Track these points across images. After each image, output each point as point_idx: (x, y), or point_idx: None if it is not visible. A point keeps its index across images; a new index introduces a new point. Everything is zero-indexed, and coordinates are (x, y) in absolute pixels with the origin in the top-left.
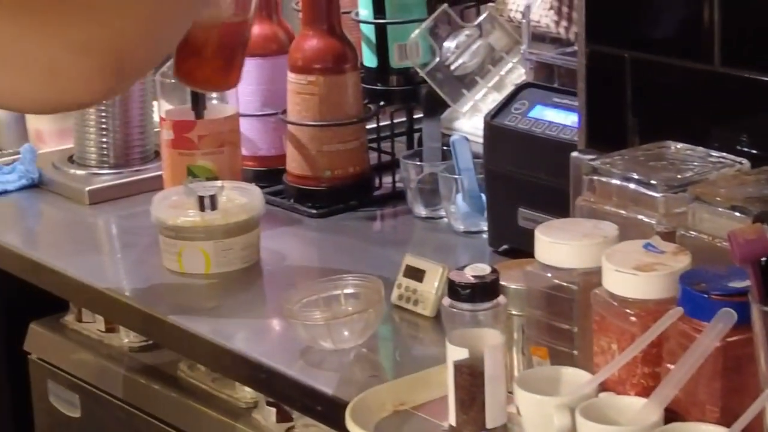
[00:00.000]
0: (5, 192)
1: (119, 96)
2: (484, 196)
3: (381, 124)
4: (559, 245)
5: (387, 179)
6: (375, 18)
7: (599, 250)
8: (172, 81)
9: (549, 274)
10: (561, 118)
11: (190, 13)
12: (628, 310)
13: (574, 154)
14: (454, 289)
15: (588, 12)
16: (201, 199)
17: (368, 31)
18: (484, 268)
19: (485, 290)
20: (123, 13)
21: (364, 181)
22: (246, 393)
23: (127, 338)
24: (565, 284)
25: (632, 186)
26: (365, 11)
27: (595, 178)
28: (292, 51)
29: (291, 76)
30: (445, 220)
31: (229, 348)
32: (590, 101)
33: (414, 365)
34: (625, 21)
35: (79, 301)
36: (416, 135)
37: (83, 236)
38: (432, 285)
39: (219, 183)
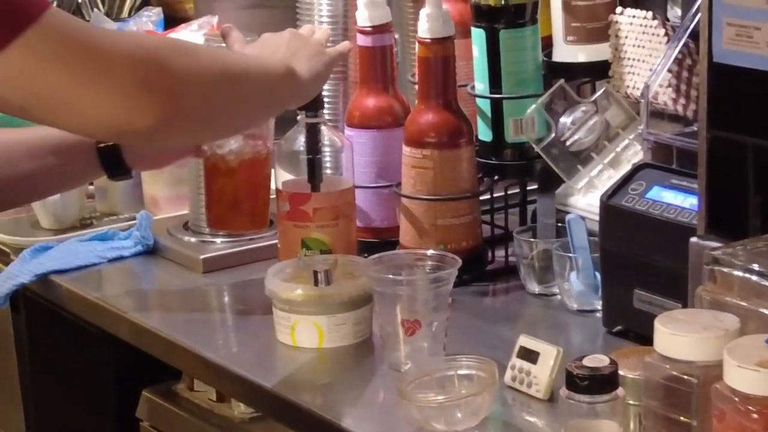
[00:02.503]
0: (121, 258)
1: None
2: (598, 275)
3: (495, 195)
4: (678, 337)
5: (500, 253)
6: (491, 92)
7: (720, 344)
8: (290, 151)
9: (667, 366)
10: (679, 200)
11: None
12: (750, 407)
13: (694, 239)
14: (571, 380)
15: (710, 98)
16: (315, 273)
17: (484, 105)
18: (602, 359)
19: (604, 382)
20: None
21: (477, 256)
22: None
23: (238, 409)
24: (684, 377)
25: (754, 278)
26: (481, 85)
27: (716, 268)
28: (408, 124)
29: (406, 150)
30: (559, 297)
31: (340, 426)
32: (710, 187)
33: None
34: (747, 108)
35: (190, 371)
36: (529, 206)
37: (197, 305)
38: (546, 367)
39: (333, 257)
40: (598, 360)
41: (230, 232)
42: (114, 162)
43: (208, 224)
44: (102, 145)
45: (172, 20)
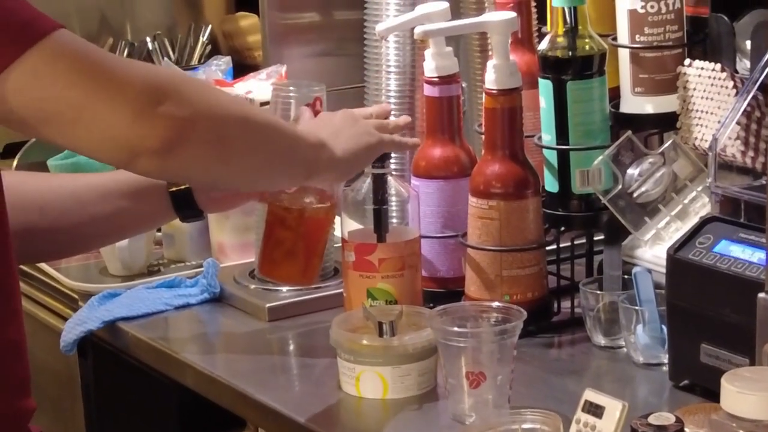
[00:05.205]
0: (187, 305)
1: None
2: (665, 329)
3: (561, 246)
4: (746, 395)
5: (566, 304)
6: (558, 143)
7: None
8: (356, 201)
9: (734, 424)
10: (747, 254)
11: None
12: None
13: (761, 295)
14: None
15: None
16: (380, 324)
17: (550, 156)
18: (668, 417)
19: None
20: None
21: (543, 307)
22: None
23: None
24: None
25: None
26: (548, 136)
27: None
28: (474, 175)
29: (472, 200)
30: (625, 350)
31: None
32: None
33: None
34: None
35: (254, 420)
36: (596, 257)
37: (262, 353)
38: (612, 422)
39: (398, 308)
40: (663, 418)
41: (276, 281)
42: (186, 204)
43: (258, 268)
44: (174, 188)
45: (241, 69)
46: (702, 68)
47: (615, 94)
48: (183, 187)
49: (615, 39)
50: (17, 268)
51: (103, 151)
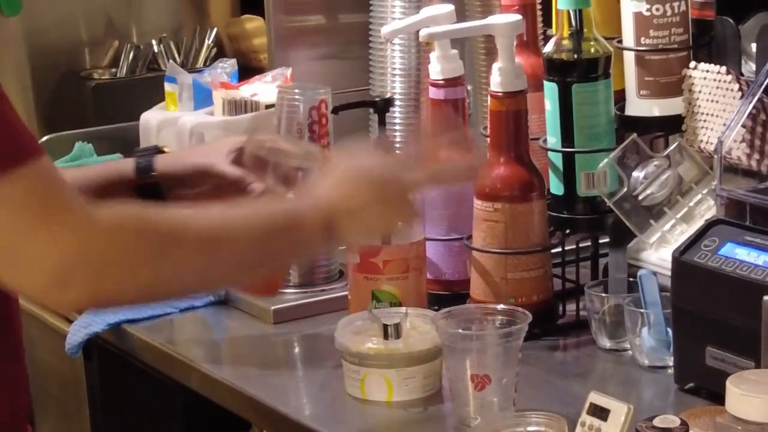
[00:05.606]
0: (192, 308)
1: None
2: (670, 332)
3: (566, 249)
4: (751, 398)
5: (571, 307)
6: (563, 146)
7: None
8: None
9: (739, 427)
10: (752, 257)
11: None
12: None
13: (767, 298)
14: None
15: None
16: (385, 326)
17: (556, 158)
18: (673, 420)
19: None
20: None
21: (548, 310)
22: None
23: None
24: None
25: None
26: (553, 139)
27: None
28: (479, 178)
29: (477, 203)
30: (630, 353)
31: None
32: None
33: None
34: None
35: (259, 423)
36: (601, 260)
37: (267, 356)
38: (617, 425)
39: (403, 310)
40: (668, 420)
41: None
42: (152, 199)
43: None
44: (141, 183)
45: (246, 71)
46: (707, 71)
47: (620, 97)
48: (151, 182)
49: (620, 42)
50: None
51: (25, 293)
